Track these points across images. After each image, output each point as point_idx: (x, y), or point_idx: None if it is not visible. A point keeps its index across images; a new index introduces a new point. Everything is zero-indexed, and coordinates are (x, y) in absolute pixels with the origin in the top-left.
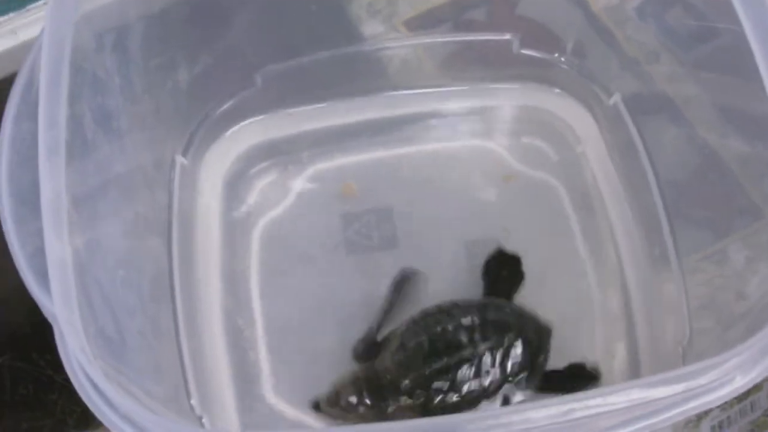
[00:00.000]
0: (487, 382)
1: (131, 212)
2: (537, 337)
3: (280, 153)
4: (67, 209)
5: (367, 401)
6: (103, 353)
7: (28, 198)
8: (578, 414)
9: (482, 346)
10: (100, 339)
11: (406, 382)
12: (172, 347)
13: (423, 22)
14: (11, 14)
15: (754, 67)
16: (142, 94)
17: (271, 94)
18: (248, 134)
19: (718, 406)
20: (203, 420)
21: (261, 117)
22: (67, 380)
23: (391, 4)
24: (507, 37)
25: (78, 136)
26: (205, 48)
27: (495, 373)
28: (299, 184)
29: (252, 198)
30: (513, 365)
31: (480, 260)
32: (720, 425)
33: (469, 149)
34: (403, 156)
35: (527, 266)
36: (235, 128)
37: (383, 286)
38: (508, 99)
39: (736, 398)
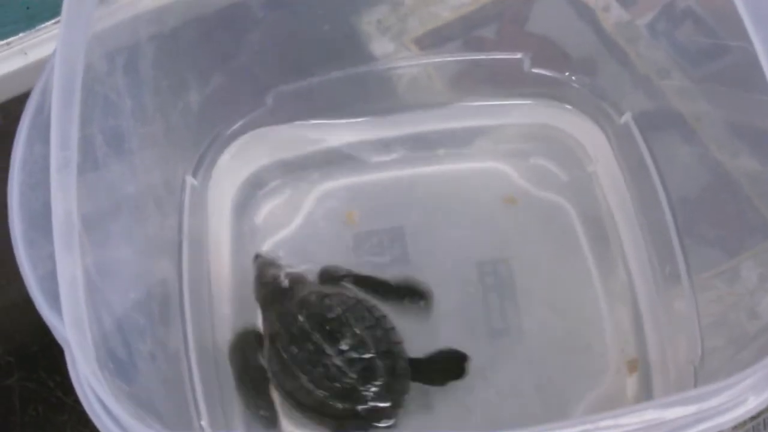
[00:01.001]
0: (308, 374)
1: (142, 234)
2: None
3: (290, 173)
4: (78, 230)
5: (269, 291)
6: (113, 376)
7: (39, 221)
8: None
9: (338, 359)
10: (111, 361)
11: (288, 316)
12: (183, 369)
13: (433, 40)
14: (21, 34)
15: (765, 83)
16: (153, 115)
17: (282, 114)
18: (258, 155)
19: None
20: None
21: (271, 137)
22: (76, 402)
23: (400, 21)
24: (518, 56)
25: (89, 157)
26: (216, 68)
27: (323, 379)
28: (309, 203)
29: (262, 218)
30: (339, 394)
31: (490, 279)
32: None
33: (480, 168)
34: (414, 175)
35: (538, 287)
36: (246, 149)
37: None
38: (518, 118)
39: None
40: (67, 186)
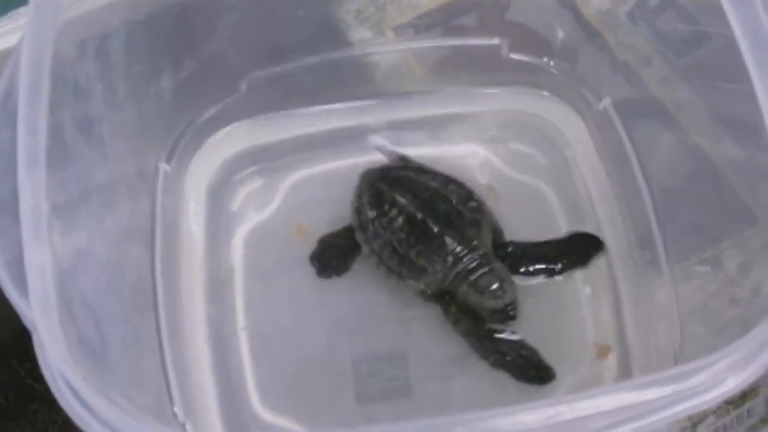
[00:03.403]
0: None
1: (113, 220)
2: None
3: (265, 159)
4: (47, 217)
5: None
6: (83, 359)
7: (7, 206)
8: (567, 416)
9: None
10: (81, 346)
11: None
12: (155, 354)
13: (412, 29)
14: None
15: (746, 71)
16: (125, 100)
17: (256, 100)
18: (233, 141)
19: (714, 413)
20: (187, 427)
21: (246, 123)
22: (48, 390)
23: (379, 11)
24: (496, 41)
25: (59, 143)
26: (189, 54)
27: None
28: (284, 190)
29: (236, 205)
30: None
31: None
32: None
33: (458, 154)
34: None
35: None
36: (220, 135)
37: (372, 292)
38: (497, 104)
39: (732, 405)
40: (35, 174)
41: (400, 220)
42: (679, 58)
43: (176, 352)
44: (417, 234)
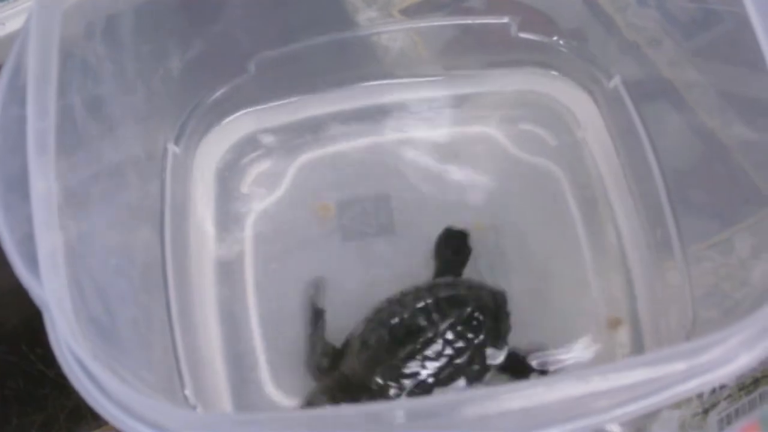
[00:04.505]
0: (457, 358)
1: (123, 201)
2: (493, 302)
3: (274, 141)
4: (57, 198)
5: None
6: (94, 339)
7: (17, 184)
8: (578, 392)
9: (442, 325)
10: (92, 326)
11: (377, 378)
12: (166, 336)
13: (420, 9)
14: None
15: (759, 52)
16: (133, 81)
17: (265, 81)
18: (241, 122)
19: (726, 398)
20: (197, 409)
21: (254, 105)
22: (58, 375)
23: None
24: (505, 20)
25: (68, 123)
26: (197, 35)
27: (462, 347)
28: (294, 171)
29: (246, 186)
30: (477, 335)
31: (479, 246)
32: (728, 417)
33: (467, 135)
34: (401, 142)
35: (528, 253)
36: (228, 116)
37: (380, 273)
38: (506, 84)
39: (744, 390)
40: (45, 154)
41: (423, 323)
42: (688, 39)
43: (186, 335)
44: (403, 344)
